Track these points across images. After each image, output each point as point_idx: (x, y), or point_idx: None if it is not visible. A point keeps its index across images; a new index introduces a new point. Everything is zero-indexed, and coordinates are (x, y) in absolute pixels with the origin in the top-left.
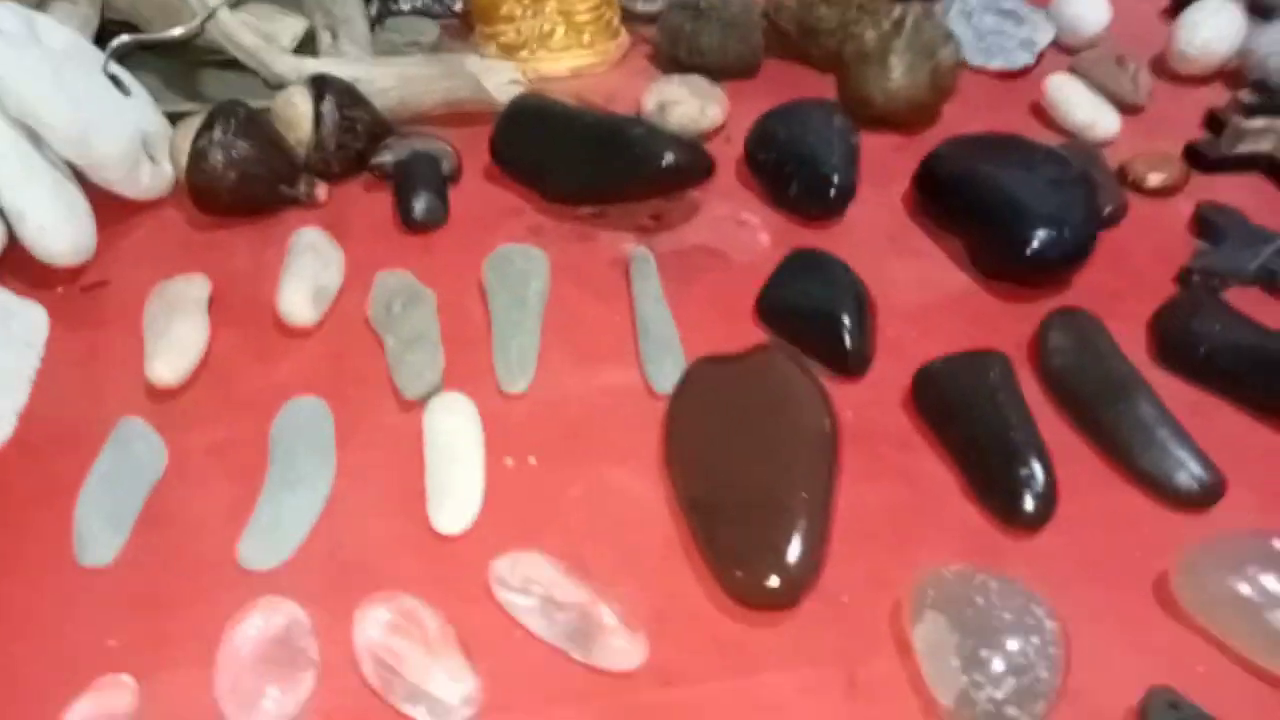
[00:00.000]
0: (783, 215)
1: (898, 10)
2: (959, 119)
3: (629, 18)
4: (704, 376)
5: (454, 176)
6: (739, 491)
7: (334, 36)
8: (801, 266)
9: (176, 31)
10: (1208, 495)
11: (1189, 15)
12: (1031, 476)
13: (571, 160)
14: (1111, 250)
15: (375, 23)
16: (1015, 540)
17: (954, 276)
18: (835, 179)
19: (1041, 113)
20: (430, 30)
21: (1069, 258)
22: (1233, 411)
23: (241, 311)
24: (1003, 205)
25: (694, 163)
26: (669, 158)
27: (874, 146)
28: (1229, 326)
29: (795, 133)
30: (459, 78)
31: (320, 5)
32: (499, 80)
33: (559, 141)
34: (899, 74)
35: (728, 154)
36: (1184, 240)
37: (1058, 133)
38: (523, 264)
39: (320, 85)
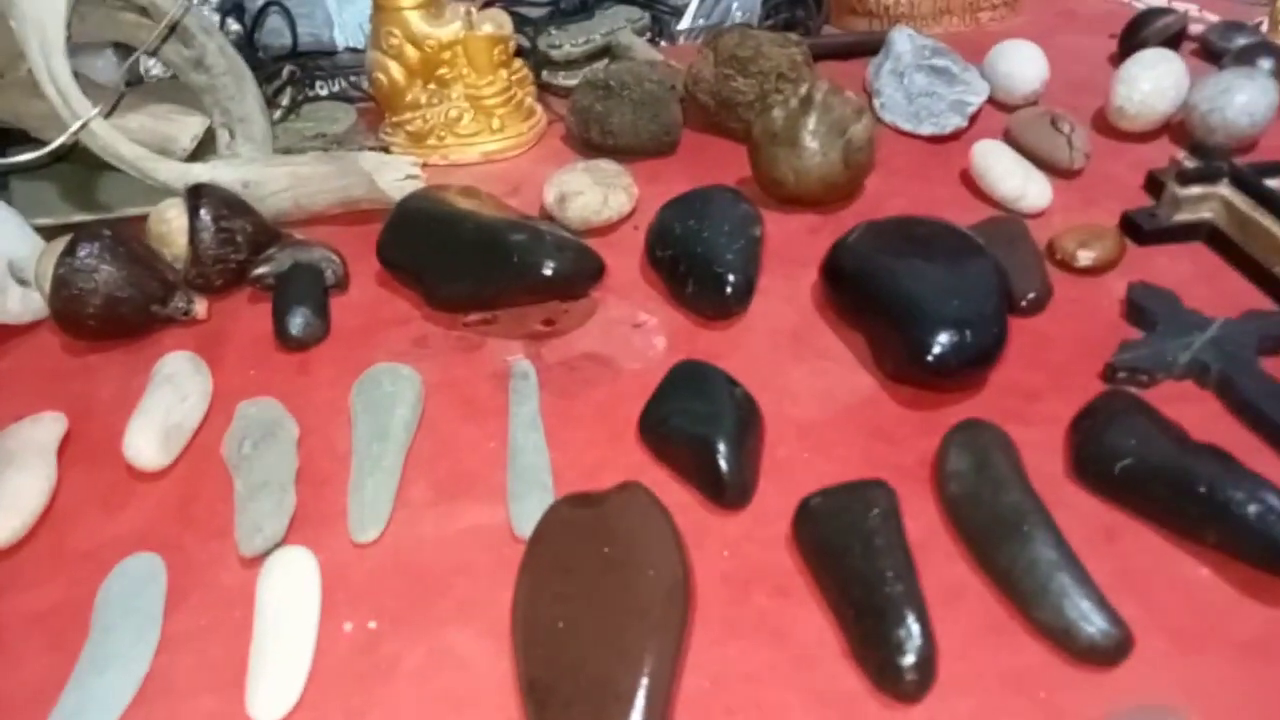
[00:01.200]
0: (683, 313)
1: (805, 88)
2: (884, 191)
3: (548, 91)
4: (561, 522)
5: (340, 284)
6: (575, 673)
7: (231, 135)
8: (684, 383)
9: (39, 152)
10: (1114, 651)
11: (1127, 69)
12: (908, 638)
13: (455, 268)
14: (1033, 341)
15: (293, 109)
16: (895, 711)
17: (857, 381)
18: (731, 280)
19: (972, 181)
20: (345, 117)
21: (973, 363)
22: (1151, 535)
23: (96, 451)
24: (903, 305)
25: (579, 270)
26: (550, 267)
27: (788, 228)
28: (1146, 441)
29: (692, 228)
30: (352, 176)
31: (218, 103)
32: (393, 177)
33: (443, 247)
34: (809, 154)
35: (635, 242)
36: (1114, 327)
37: (987, 204)
38: (391, 387)
39: (196, 197)
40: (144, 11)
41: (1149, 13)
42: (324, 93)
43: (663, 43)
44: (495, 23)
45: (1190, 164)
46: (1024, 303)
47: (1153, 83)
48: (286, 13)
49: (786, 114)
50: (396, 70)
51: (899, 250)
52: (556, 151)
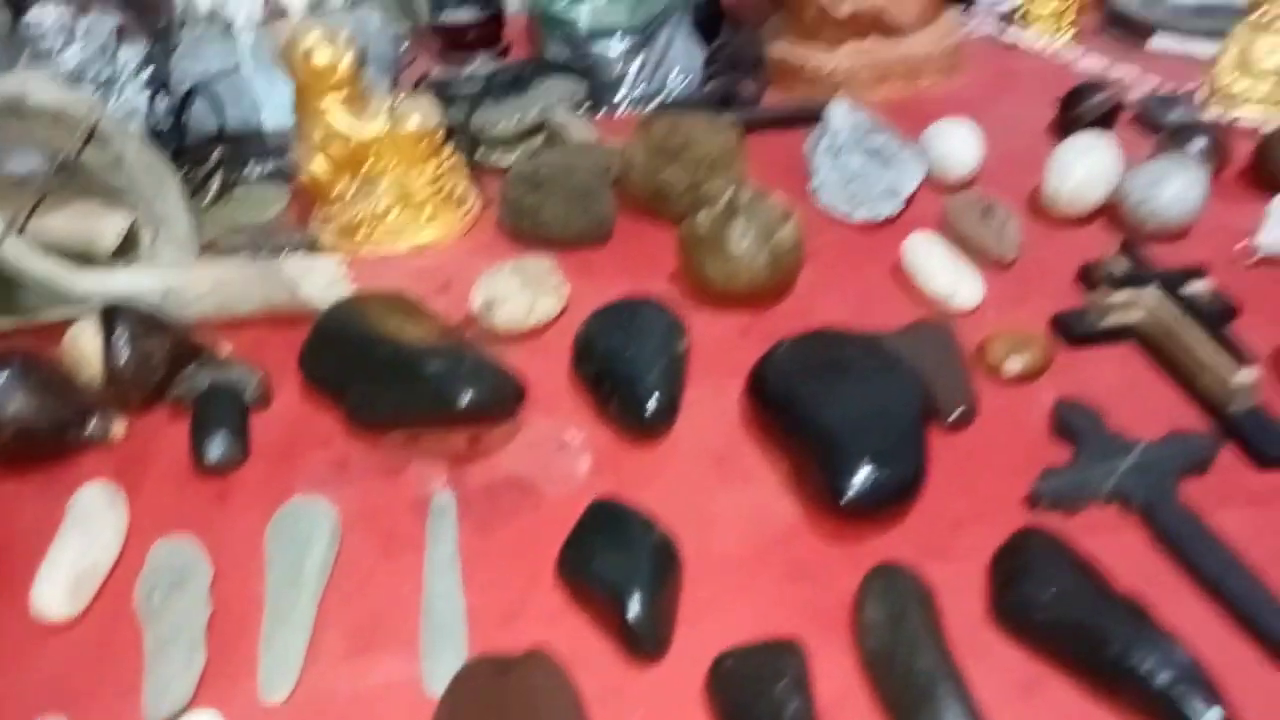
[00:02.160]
0: (609, 429)
1: (730, 191)
2: (818, 285)
3: (483, 170)
4: (468, 690)
5: (262, 401)
6: None
7: (154, 235)
8: (600, 525)
9: None
10: None
11: (1060, 156)
12: None
13: (374, 393)
14: (958, 461)
15: (222, 193)
16: None
17: (781, 508)
18: (651, 402)
19: (905, 274)
20: (277, 200)
21: (889, 502)
22: (1070, 690)
23: (4, 595)
24: (820, 439)
25: (496, 401)
26: (466, 398)
27: (718, 330)
28: (1063, 591)
29: (615, 344)
30: (275, 284)
31: (141, 201)
32: (318, 283)
33: (362, 371)
34: (735, 258)
35: (565, 346)
36: (1041, 444)
37: (918, 301)
38: (306, 526)
39: (111, 319)
40: (58, 120)
41: (1085, 88)
42: (255, 173)
43: (601, 113)
44: (421, 114)
45: (1120, 264)
46: (950, 420)
47: (1085, 171)
48: (211, 96)
49: (712, 218)
50: (322, 165)
51: (819, 372)
52: (489, 241)
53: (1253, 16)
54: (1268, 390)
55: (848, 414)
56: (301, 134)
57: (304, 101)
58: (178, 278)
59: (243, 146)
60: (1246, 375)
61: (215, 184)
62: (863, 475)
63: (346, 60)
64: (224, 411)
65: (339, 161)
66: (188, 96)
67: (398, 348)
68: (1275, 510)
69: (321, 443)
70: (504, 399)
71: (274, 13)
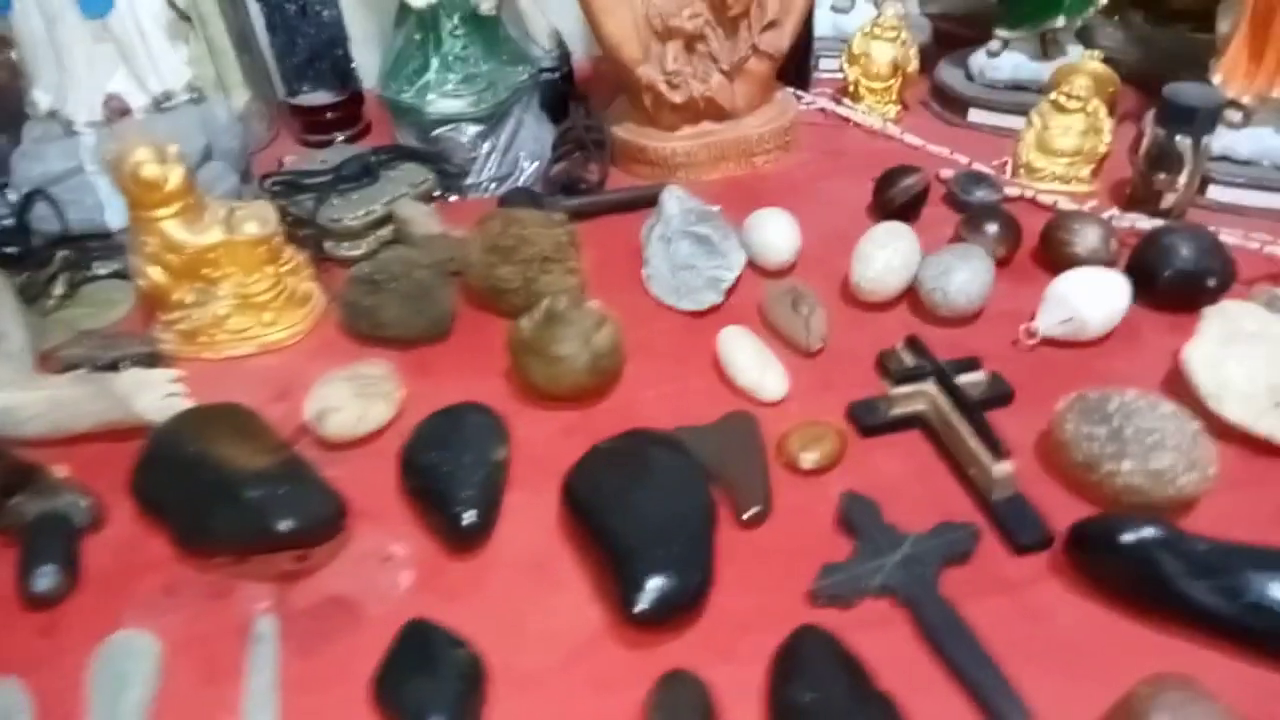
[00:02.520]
0: (432, 541)
1: (547, 302)
2: (642, 379)
3: (331, 262)
4: None
5: (95, 525)
6: None
7: None
8: (410, 649)
9: None
10: None
11: (862, 247)
12: None
13: (199, 519)
14: (751, 558)
15: (67, 296)
16: None
17: (588, 617)
18: (466, 517)
19: (721, 367)
20: (124, 299)
21: (677, 612)
22: None
23: None
24: (616, 551)
25: (316, 524)
26: (285, 525)
27: (545, 429)
28: (826, 693)
29: (435, 461)
30: (109, 399)
31: None
32: (152, 398)
33: (188, 496)
34: (557, 363)
35: (395, 453)
36: (827, 538)
37: (732, 392)
38: (126, 661)
39: None
40: None
41: (896, 171)
42: (103, 272)
43: (453, 198)
44: (259, 220)
45: (906, 356)
46: (746, 516)
47: (884, 262)
48: (51, 200)
49: (533, 325)
50: (158, 274)
51: (622, 481)
52: (331, 341)
53: (1051, 96)
54: (1032, 471)
55: (641, 522)
56: (135, 244)
57: (136, 213)
58: (11, 398)
59: (87, 247)
60: (1001, 469)
61: (59, 287)
62: (651, 586)
63: (175, 176)
64: (51, 541)
65: (175, 270)
66: (29, 198)
67: (221, 471)
68: (1021, 598)
69: (152, 567)
70: (323, 522)
71: (116, 111)
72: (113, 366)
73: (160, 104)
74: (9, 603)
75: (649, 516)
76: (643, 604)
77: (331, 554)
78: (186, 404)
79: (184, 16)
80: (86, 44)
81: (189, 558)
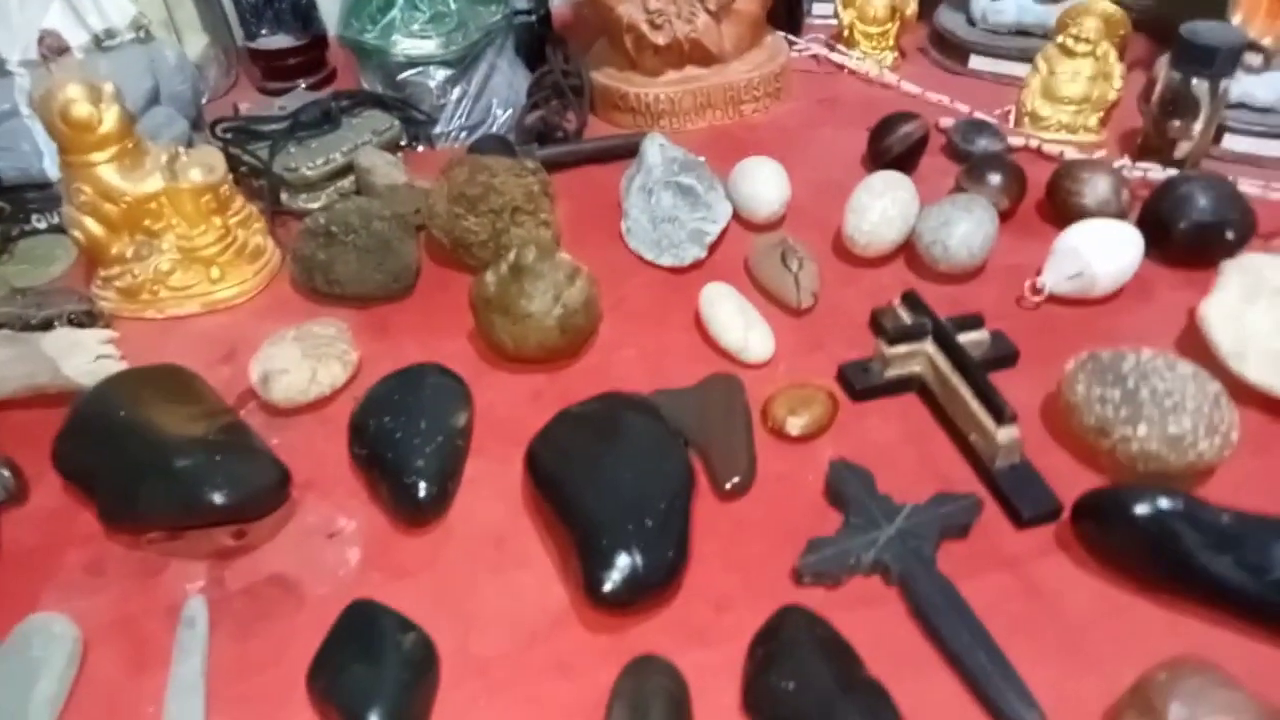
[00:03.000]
0: (383, 514)
1: (513, 254)
2: (616, 339)
3: (288, 215)
4: None
5: (16, 497)
6: None
7: None
8: (353, 633)
9: None
10: None
11: (857, 197)
12: None
13: (126, 491)
14: (732, 531)
15: (4, 248)
16: None
17: (550, 597)
18: (421, 491)
19: (703, 326)
20: (64, 254)
21: (648, 592)
22: None
23: None
24: (583, 527)
25: (254, 497)
26: (217, 499)
27: (511, 393)
28: (807, 680)
29: (387, 425)
30: (35, 361)
31: None
32: (83, 360)
33: (115, 466)
34: (524, 320)
35: (346, 420)
36: (816, 509)
37: (715, 352)
38: (39, 652)
39: None
40: None
41: (893, 118)
42: (41, 225)
43: (420, 147)
44: (204, 167)
45: (902, 313)
46: (728, 487)
47: (880, 213)
48: None
49: (498, 280)
50: (94, 226)
51: (591, 449)
52: (284, 300)
53: (1058, 39)
54: (1038, 437)
55: (611, 494)
56: (68, 194)
57: (68, 158)
58: None
59: (23, 198)
60: (1006, 434)
61: None
62: (620, 564)
63: (110, 117)
64: None
65: (113, 222)
66: None
67: (152, 439)
68: (1025, 575)
69: (77, 544)
70: (263, 494)
71: (54, 49)
72: (46, 326)
73: (101, 42)
74: None
75: (619, 487)
76: (610, 583)
77: (273, 529)
78: (119, 367)
79: None
80: None
81: (117, 534)
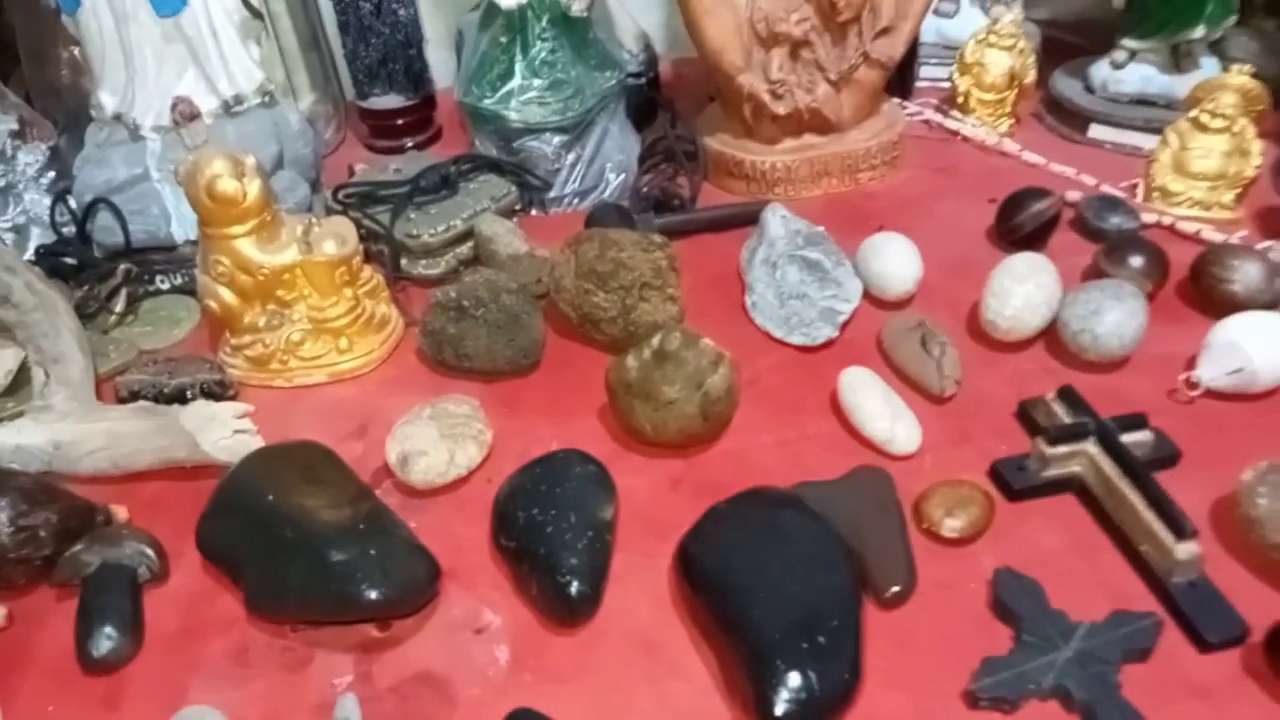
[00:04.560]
0: (530, 610)
1: (658, 338)
2: (753, 423)
3: (408, 281)
4: None
5: (158, 577)
6: None
7: (46, 375)
8: None
9: None
10: None
11: (999, 280)
12: None
13: (275, 580)
14: (894, 645)
15: (128, 311)
16: None
17: (710, 711)
18: (575, 590)
19: (841, 409)
20: (188, 316)
21: (824, 711)
22: None
23: None
24: (750, 639)
25: (407, 592)
26: (374, 594)
27: (649, 479)
28: None
29: (536, 518)
30: (173, 435)
31: (31, 340)
32: (219, 435)
33: (264, 553)
34: (665, 407)
35: (487, 499)
36: (982, 621)
37: (857, 440)
38: None
39: None
40: None
41: (1025, 195)
42: (165, 286)
43: (535, 211)
44: (338, 239)
45: (1059, 408)
46: (888, 596)
47: (1024, 298)
48: (115, 210)
49: (640, 365)
50: (228, 296)
51: (752, 554)
52: (411, 371)
53: (1190, 114)
54: (1210, 548)
55: (779, 606)
56: (204, 266)
57: (208, 230)
58: (69, 431)
59: (150, 259)
60: (1187, 550)
61: (120, 301)
62: (793, 684)
63: (253, 191)
64: (113, 597)
65: (247, 292)
66: (91, 208)
67: (301, 525)
68: (1219, 708)
69: (221, 628)
70: (415, 590)
71: (186, 115)
72: (179, 395)
73: (230, 108)
74: (67, 666)
75: (788, 599)
76: (783, 705)
77: (418, 622)
78: (257, 442)
79: (257, 14)
80: (156, 43)
81: (260, 619)
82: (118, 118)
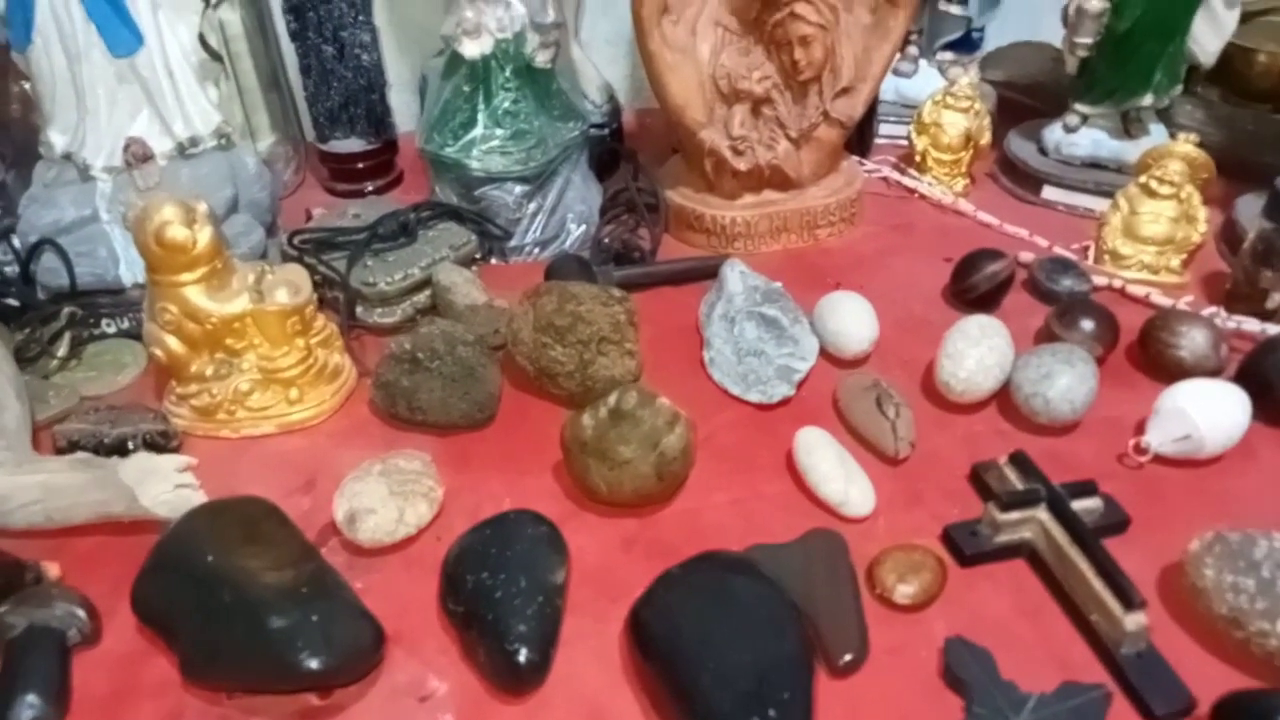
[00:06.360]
0: (477, 677)
1: (614, 397)
2: (708, 483)
3: (363, 329)
4: None
5: (89, 639)
6: None
7: None
8: None
9: None
10: None
11: (951, 342)
12: None
13: (211, 640)
14: (844, 717)
15: (71, 356)
16: None
17: None
18: (521, 657)
19: (798, 472)
20: (134, 361)
21: None
22: None
23: None
24: (695, 710)
25: (349, 662)
26: (313, 664)
27: (602, 539)
28: None
29: (485, 583)
30: (111, 489)
31: None
32: (159, 490)
33: (201, 618)
34: (620, 467)
35: (435, 559)
36: (933, 691)
37: (811, 502)
38: None
39: None
40: None
41: (980, 256)
42: (111, 330)
43: (495, 260)
44: (291, 287)
45: (1010, 474)
46: (840, 665)
47: (976, 360)
48: (61, 251)
49: (596, 423)
50: (175, 344)
51: (703, 617)
52: (361, 422)
53: (1140, 179)
54: (1158, 616)
55: (730, 682)
56: (151, 311)
57: (156, 277)
58: (1, 484)
59: (97, 302)
60: (1135, 621)
61: (63, 345)
62: None
63: (204, 238)
64: (39, 663)
65: (195, 341)
66: (35, 249)
67: (240, 589)
68: None
69: (154, 693)
70: (358, 658)
71: (139, 156)
72: (120, 445)
73: (185, 150)
74: None
75: (739, 667)
76: None
77: (361, 689)
78: (199, 497)
79: (216, 56)
80: (110, 83)
81: (195, 685)
82: (68, 157)
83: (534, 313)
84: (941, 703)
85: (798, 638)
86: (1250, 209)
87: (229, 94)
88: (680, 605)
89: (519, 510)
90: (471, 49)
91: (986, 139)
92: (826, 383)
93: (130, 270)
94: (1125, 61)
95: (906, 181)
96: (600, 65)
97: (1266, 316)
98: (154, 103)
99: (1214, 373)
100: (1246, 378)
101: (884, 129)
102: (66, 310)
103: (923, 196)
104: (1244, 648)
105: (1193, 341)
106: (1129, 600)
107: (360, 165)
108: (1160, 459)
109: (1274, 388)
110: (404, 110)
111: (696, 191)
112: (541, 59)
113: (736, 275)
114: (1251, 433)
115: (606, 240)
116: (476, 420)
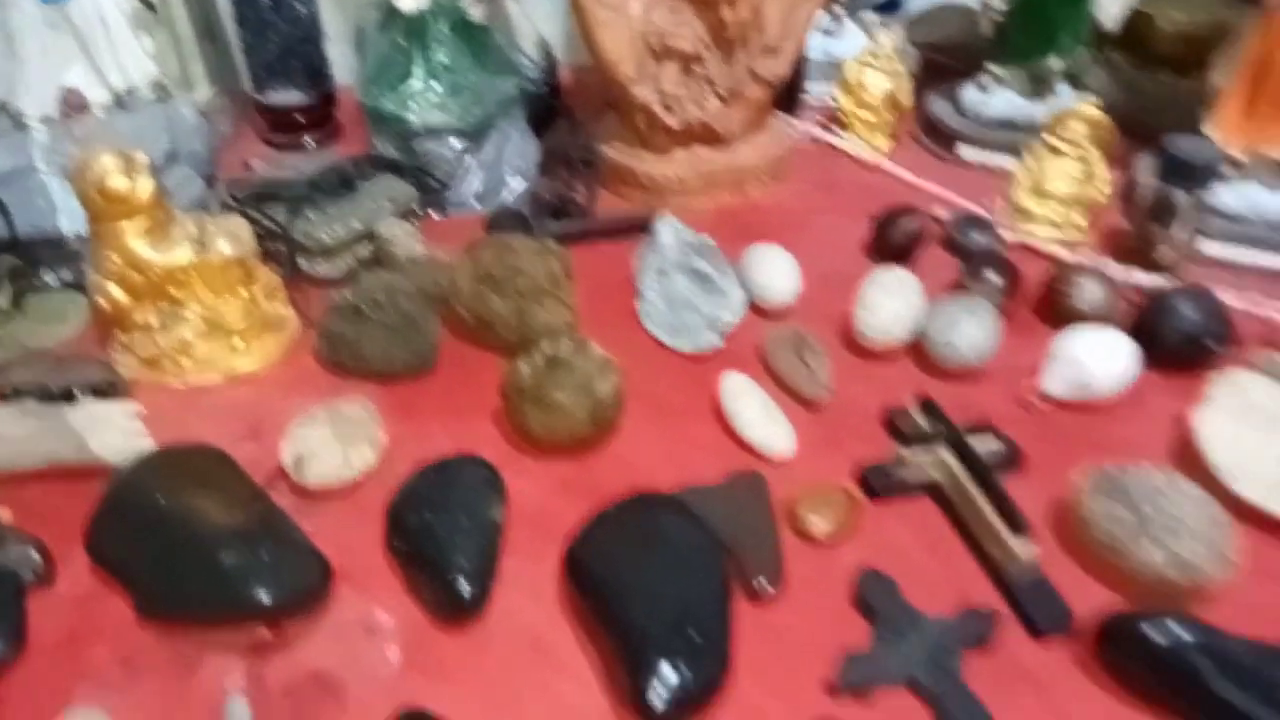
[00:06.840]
0: (421, 609)
1: (548, 345)
2: (640, 431)
3: (306, 281)
4: None
5: (45, 580)
6: None
7: None
8: None
9: None
10: None
11: (868, 292)
12: None
13: (166, 585)
14: (764, 642)
15: (14, 307)
16: None
17: (592, 707)
18: (463, 590)
19: (724, 417)
20: (76, 314)
21: (695, 705)
22: None
23: None
24: (628, 638)
25: (299, 594)
26: (264, 598)
27: (540, 482)
28: None
29: (426, 520)
30: (61, 437)
31: None
32: (109, 437)
33: (155, 556)
34: (556, 412)
35: (379, 504)
36: (845, 617)
37: (738, 445)
38: None
39: None
40: None
41: (896, 212)
42: (53, 282)
43: (434, 214)
44: (232, 238)
45: (918, 415)
46: (757, 589)
47: (891, 311)
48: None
49: (532, 370)
50: (119, 294)
51: (634, 556)
52: (306, 372)
53: (1046, 139)
54: (1048, 548)
55: (657, 606)
56: (95, 262)
57: (98, 226)
58: None
59: (36, 254)
60: (1026, 549)
61: (4, 297)
62: (668, 680)
63: (144, 188)
64: None
65: (138, 290)
66: None
67: (192, 528)
68: (1050, 697)
69: (108, 633)
70: (308, 592)
71: (73, 107)
72: (67, 395)
73: (122, 100)
74: None
75: (665, 599)
76: (658, 698)
77: (309, 624)
78: (148, 443)
79: (149, 6)
80: (41, 32)
81: (149, 623)
82: (1, 107)
83: (473, 264)
84: (851, 626)
85: (719, 571)
86: (1149, 169)
87: (165, 44)
88: (613, 541)
89: (461, 455)
90: (408, 3)
91: (907, 99)
92: (753, 333)
93: (70, 220)
94: (1033, 24)
95: (832, 140)
96: (537, 21)
97: (1158, 270)
98: (88, 52)
99: (1107, 321)
100: (1138, 329)
101: (814, 88)
102: (7, 262)
103: (848, 155)
104: (1119, 571)
105: (1089, 293)
106: (1016, 524)
107: (299, 117)
108: (1057, 403)
109: (1159, 335)
110: (341, 63)
111: (630, 147)
112: (476, 13)
113: (669, 229)
114: (1142, 380)
115: (544, 195)
116: (418, 369)
